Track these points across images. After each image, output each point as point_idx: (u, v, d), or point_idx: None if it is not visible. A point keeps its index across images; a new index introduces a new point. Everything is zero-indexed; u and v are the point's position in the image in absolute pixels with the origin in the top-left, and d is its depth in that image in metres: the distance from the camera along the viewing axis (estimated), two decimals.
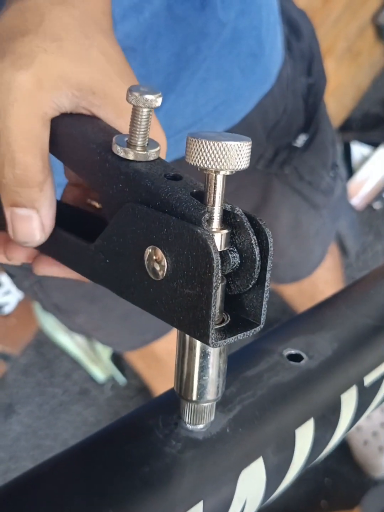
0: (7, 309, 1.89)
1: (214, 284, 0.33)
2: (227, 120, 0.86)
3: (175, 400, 0.41)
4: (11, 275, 1.07)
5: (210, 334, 0.34)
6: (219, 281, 0.34)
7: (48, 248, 0.47)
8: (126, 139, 0.40)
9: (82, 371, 1.91)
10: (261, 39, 0.83)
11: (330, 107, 1.11)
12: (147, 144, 0.41)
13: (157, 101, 0.39)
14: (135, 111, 0.40)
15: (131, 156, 0.40)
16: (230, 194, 1.12)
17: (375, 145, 2.04)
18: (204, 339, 0.35)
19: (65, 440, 1.82)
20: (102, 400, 1.88)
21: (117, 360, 1.86)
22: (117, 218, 0.39)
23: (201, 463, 0.39)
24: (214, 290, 0.33)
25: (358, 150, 2.05)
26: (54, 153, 0.45)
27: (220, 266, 0.33)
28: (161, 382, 1.57)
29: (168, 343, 1.22)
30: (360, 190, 1.99)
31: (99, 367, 1.87)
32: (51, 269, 0.50)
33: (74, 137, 0.43)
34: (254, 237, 0.36)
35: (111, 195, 0.40)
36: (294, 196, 1.07)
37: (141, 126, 0.40)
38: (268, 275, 0.36)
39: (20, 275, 1.03)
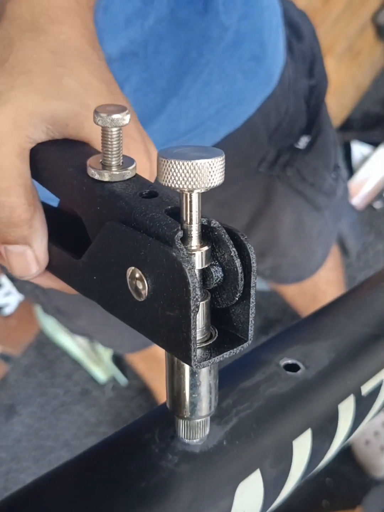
0: (8, 310, 1.89)
1: (192, 308, 0.33)
2: (229, 123, 0.86)
3: (171, 414, 0.41)
4: (12, 279, 1.07)
5: (192, 356, 0.34)
6: (197, 305, 0.33)
7: None
8: (101, 160, 0.40)
9: (83, 371, 1.91)
10: (263, 42, 0.83)
11: (330, 106, 1.11)
12: (122, 163, 0.40)
13: (125, 119, 0.38)
14: (104, 132, 0.39)
15: (106, 178, 0.39)
16: (233, 196, 1.12)
17: (375, 144, 2.04)
18: (187, 361, 0.34)
19: (67, 440, 1.82)
20: (103, 400, 1.88)
21: (118, 360, 1.86)
22: (100, 236, 0.39)
23: (198, 477, 0.39)
24: (192, 314, 0.33)
25: (358, 149, 2.05)
26: (36, 178, 0.45)
27: (197, 290, 0.33)
28: (162, 384, 1.56)
29: None
30: (360, 189, 1.99)
31: (100, 367, 1.88)
32: (41, 278, 0.50)
33: (52, 162, 0.43)
34: (234, 249, 0.35)
35: (92, 218, 0.40)
36: (296, 197, 1.07)
37: (113, 146, 0.39)
38: (253, 291, 0.36)
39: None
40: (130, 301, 0.37)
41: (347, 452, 1.64)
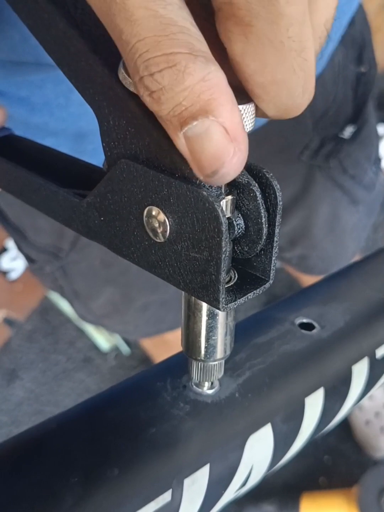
0: (14, 275, 1.89)
1: (224, 249, 0.31)
2: None
3: (184, 363, 0.40)
4: (30, 260, 1.02)
5: (221, 299, 0.32)
6: (228, 245, 0.32)
7: (36, 203, 0.43)
8: None
9: (86, 339, 1.92)
10: None
11: None
12: None
13: None
14: None
15: None
16: None
17: None
18: (214, 304, 0.33)
19: (67, 406, 1.82)
20: (105, 369, 1.88)
21: None
22: (110, 175, 0.35)
23: (208, 427, 0.38)
24: (223, 255, 0.31)
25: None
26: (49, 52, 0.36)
27: (228, 230, 0.31)
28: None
29: (178, 331, 1.20)
30: None
31: (104, 336, 1.87)
32: None
33: (74, 39, 0.33)
34: (262, 200, 0.33)
35: (113, 132, 0.35)
36: (335, 190, 1.04)
37: None
38: (277, 230, 0.34)
39: (43, 260, 0.98)
40: (146, 243, 0.35)
41: (346, 430, 1.64)
